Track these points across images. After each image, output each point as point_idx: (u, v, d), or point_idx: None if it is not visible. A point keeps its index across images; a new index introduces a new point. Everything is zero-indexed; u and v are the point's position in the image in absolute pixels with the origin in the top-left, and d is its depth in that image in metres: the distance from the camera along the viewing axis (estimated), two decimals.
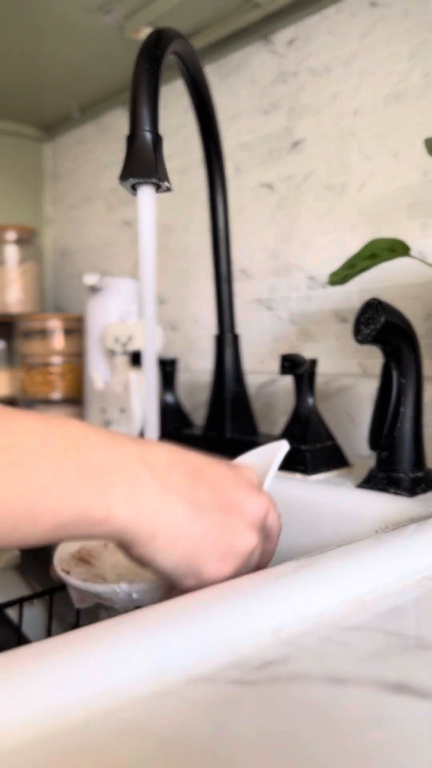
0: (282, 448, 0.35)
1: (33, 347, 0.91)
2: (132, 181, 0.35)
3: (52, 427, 0.24)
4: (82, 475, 0.23)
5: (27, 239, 1.01)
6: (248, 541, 0.27)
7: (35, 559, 0.52)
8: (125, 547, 0.25)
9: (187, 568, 0.25)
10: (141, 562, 0.26)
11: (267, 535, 0.29)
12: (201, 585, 0.26)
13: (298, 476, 0.48)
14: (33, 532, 0.23)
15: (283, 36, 0.71)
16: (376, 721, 0.19)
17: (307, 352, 0.69)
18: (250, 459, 0.37)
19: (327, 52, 0.67)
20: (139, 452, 0.26)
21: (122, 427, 0.71)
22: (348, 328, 0.65)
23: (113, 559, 0.35)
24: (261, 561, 0.29)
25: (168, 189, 0.36)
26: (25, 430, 0.23)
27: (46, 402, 0.89)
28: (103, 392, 0.75)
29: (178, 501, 0.25)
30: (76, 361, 0.92)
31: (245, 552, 0.27)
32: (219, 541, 0.26)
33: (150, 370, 0.35)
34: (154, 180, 0.35)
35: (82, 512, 0.23)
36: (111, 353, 0.76)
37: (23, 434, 0.23)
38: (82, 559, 0.34)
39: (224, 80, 0.79)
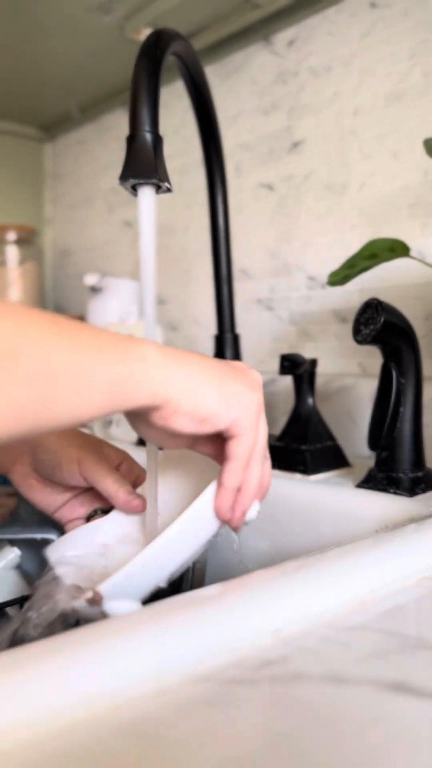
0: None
1: None
2: (132, 181, 0.35)
3: (68, 318, 0.27)
4: (115, 339, 0.27)
5: (27, 239, 1.01)
6: (257, 374, 0.32)
7: (36, 559, 0.52)
8: (167, 409, 0.27)
9: (226, 399, 0.29)
10: (190, 415, 0.28)
11: None
12: (246, 415, 0.29)
13: (298, 476, 0.48)
14: (93, 397, 0.25)
15: (283, 36, 0.71)
16: (375, 720, 0.19)
17: (307, 352, 0.69)
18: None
19: (327, 52, 0.67)
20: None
21: (123, 426, 0.71)
22: (348, 328, 0.65)
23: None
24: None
25: (168, 190, 0.36)
26: (54, 316, 0.26)
27: None
28: None
29: (189, 354, 0.29)
30: None
31: (260, 380, 0.32)
32: (237, 376, 0.30)
33: None
34: (154, 180, 0.35)
35: (129, 369, 0.26)
36: None
37: (56, 317, 0.26)
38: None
39: (224, 80, 0.79)
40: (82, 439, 0.38)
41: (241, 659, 0.22)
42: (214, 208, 0.57)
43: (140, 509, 0.37)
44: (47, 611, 0.31)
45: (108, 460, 0.39)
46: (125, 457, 0.40)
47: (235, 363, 0.32)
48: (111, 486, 0.37)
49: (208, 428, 0.29)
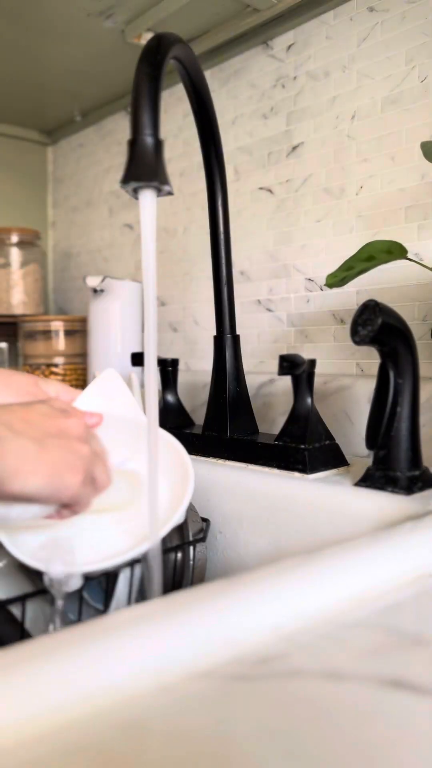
0: (111, 376, 0.44)
1: (36, 348, 0.91)
2: (134, 184, 0.36)
3: None
4: None
5: (30, 242, 1.01)
6: (83, 449, 0.34)
7: None
8: None
9: (52, 486, 0.32)
10: (12, 496, 0.31)
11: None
12: (70, 495, 0.32)
13: (297, 475, 0.48)
14: None
15: (282, 41, 0.72)
16: (373, 716, 0.19)
17: (305, 353, 0.69)
18: (92, 398, 0.44)
19: (325, 57, 0.68)
20: None
21: None
22: (346, 329, 0.66)
23: None
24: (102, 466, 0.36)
25: (169, 193, 0.37)
26: None
27: None
28: None
29: (25, 439, 0.31)
30: (79, 361, 0.92)
31: (86, 458, 0.34)
32: (65, 458, 0.32)
33: (150, 370, 0.35)
34: (155, 184, 0.35)
35: None
36: None
37: None
38: None
39: (224, 84, 0.79)
40: (19, 386, 0.41)
41: (241, 655, 0.23)
42: (213, 211, 0.58)
43: (97, 422, 0.41)
44: None
45: (47, 394, 0.41)
46: (60, 387, 0.43)
47: (66, 431, 0.34)
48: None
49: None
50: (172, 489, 0.41)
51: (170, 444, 0.43)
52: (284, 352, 0.72)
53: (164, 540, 0.43)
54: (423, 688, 0.20)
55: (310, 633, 0.24)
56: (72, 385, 0.91)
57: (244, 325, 0.76)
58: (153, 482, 0.36)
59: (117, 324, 0.83)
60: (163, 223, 0.88)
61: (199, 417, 0.75)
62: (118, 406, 0.44)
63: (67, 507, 0.34)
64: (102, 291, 0.83)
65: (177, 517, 0.39)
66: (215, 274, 0.59)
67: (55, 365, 0.91)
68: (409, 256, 0.49)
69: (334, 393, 0.61)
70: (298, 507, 0.45)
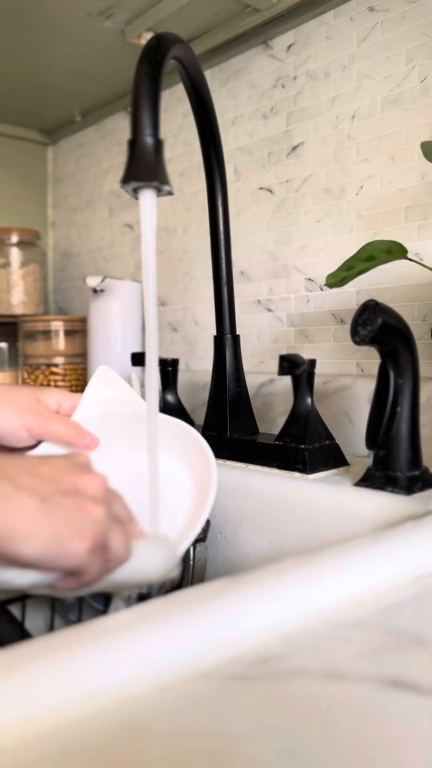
0: (105, 373, 0.44)
1: (36, 348, 0.91)
2: (134, 184, 0.36)
3: None
4: None
5: (30, 242, 1.01)
6: (96, 511, 0.30)
7: None
8: None
9: (51, 551, 0.28)
10: (6, 560, 0.27)
11: (112, 508, 0.32)
12: (74, 564, 0.28)
13: (297, 475, 0.48)
14: None
15: (282, 41, 0.72)
16: (373, 716, 0.19)
17: (305, 353, 0.69)
18: (94, 401, 0.44)
19: (325, 57, 0.68)
20: None
21: None
22: (346, 329, 0.66)
23: None
24: (125, 530, 0.32)
25: (169, 193, 0.37)
26: None
27: None
28: None
29: (27, 496, 0.28)
30: (79, 361, 0.92)
31: (98, 522, 0.29)
32: (71, 520, 0.28)
33: (152, 370, 0.35)
34: (155, 184, 0.35)
35: None
36: None
37: None
38: None
39: (224, 84, 0.79)
40: (20, 403, 0.40)
41: (241, 655, 0.23)
42: (213, 211, 0.58)
43: (96, 445, 0.41)
44: None
45: (49, 409, 0.41)
46: (60, 395, 0.42)
47: (79, 490, 0.30)
48: (64, 435, 0.40)
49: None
50: (196, 487, 0.40)
51: (196, 441, 0.43)
52: (284, 352, 0.72)
53: None
54: (423, 688, 0.20)
55: (310, 633, 0.24)
56: (72, 386, 0.91)
57: (244, 325, 0.76)
58: (154, 481, 0.36)
59: (117, 324, 0.83)
60: (163, 223, 0.88)
61: (199, 417, 0.75)
62: (122, 403, 0.44)
63: (74, 576, 0.29)
64: (102, 291, 0.83)
65: (204, 518, 0.39)
66: (215, 274, 0.59)
67: (55, 365, 0.91)
68: (409, 256, 0.49)
69: (334, 393, 0.61)
70: (298, 507, 0.45)
